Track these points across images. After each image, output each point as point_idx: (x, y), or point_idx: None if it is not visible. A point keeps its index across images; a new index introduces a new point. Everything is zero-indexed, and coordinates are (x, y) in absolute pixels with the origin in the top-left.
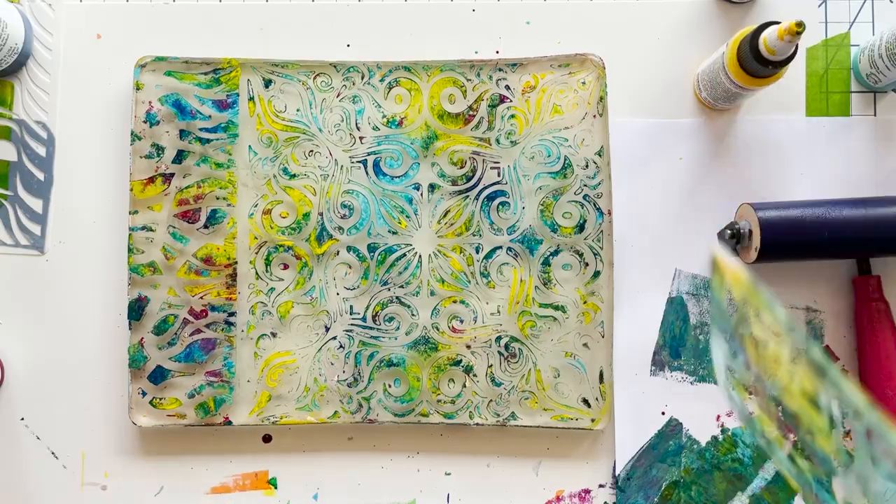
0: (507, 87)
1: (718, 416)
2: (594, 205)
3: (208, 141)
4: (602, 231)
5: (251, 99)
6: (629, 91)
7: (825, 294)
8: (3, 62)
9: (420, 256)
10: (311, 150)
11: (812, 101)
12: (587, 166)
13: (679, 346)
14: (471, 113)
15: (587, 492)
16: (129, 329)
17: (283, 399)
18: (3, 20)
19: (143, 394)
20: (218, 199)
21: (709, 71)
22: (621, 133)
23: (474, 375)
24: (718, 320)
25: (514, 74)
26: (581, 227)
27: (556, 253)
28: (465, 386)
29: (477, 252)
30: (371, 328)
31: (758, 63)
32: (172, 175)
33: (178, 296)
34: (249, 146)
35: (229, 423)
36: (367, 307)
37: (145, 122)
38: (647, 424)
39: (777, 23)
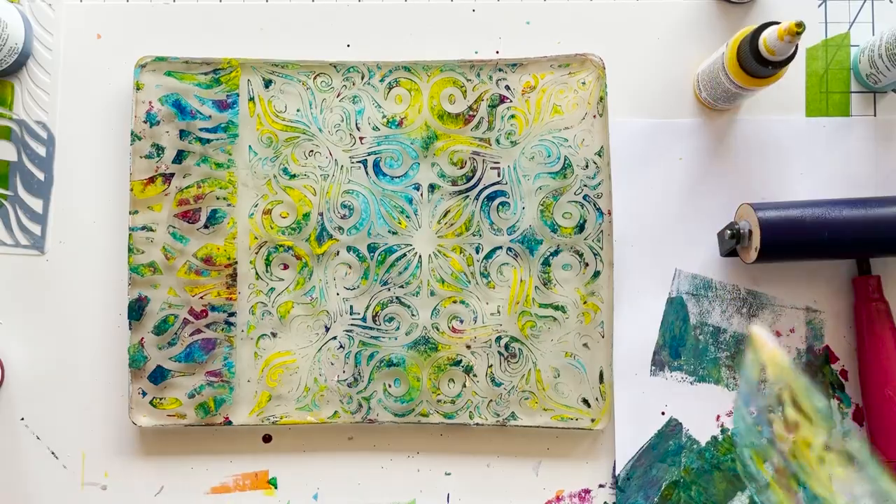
0: (507, 88)
1: (718, 416)
2: (594, 205)
3: (208, 141)
4: (602, 231)
5: (251, 99)
6: (629, 91)
7: (825, 294)
8: (3, 62)
9: (420, 256)
10: (311, 151)
11: (812, 102)
12: (587, 166)
13: (679, 346)
14: (471, 113)
15: (587, 492)
16: (129, 329)
17: (283, 399)
18: (3, 20)
19: (144, 394)
20: (218, 199)
21: (709, 71)
22: (621, 133)
23: (474, 375)
24: (746, 394)
25: (514, 74)
26: (581, 228)
27: (556, 253)
28: (465, 386)
29: (477, 252)
30: (371, 328)
31: (758, 63)
32: (172, 175)
33: (179, 296)
34: (249, 146)
35: (229, 423)
36: (367, 307)
37: (145, 122)
38: (647, 424)
39: (777, 23)
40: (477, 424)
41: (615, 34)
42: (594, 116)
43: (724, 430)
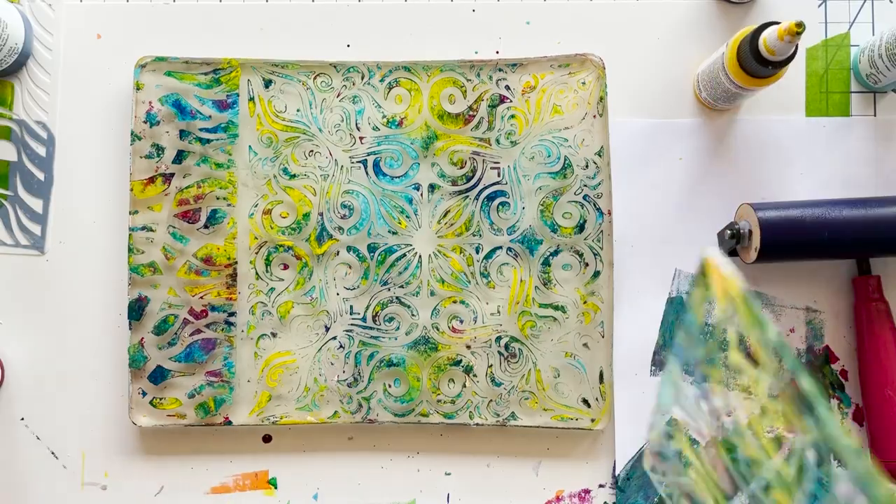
0: (507, 88)
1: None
2: (594, 205)
3: (208, 141)
4: (602, 231)
5: (251, 99)
6: (629, 91)
7: (825, 294)
8: (3, 62)
9: (420, 256)
10: (311, 151)
11: (812, 102)
12: (587, 166)
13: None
14: (471, 113)
15: (587, 492)
16: (129, 329)
17: (283, 399)
18: (3, 20)
19: (143, 394)
20: (218, 199)
21: (709, 71)
22: (621, 133)
23: (474, 375)
24: (684, 348)
25: (514, 74)
26: (581, 227)
27: (556, 253)
28: (465, 386)
29: (477, 252)
30: (371, 328)
31: (758, 63)
32: (172, 175)
33: (179, 296)
34: (249, 146)
35: (229, 423)
36: (367, 307)
37: (145, 122)
38: (647, 424)
39: (777, 23)
40: (477, 424)
41: (615, 34)
42: (594, 116)
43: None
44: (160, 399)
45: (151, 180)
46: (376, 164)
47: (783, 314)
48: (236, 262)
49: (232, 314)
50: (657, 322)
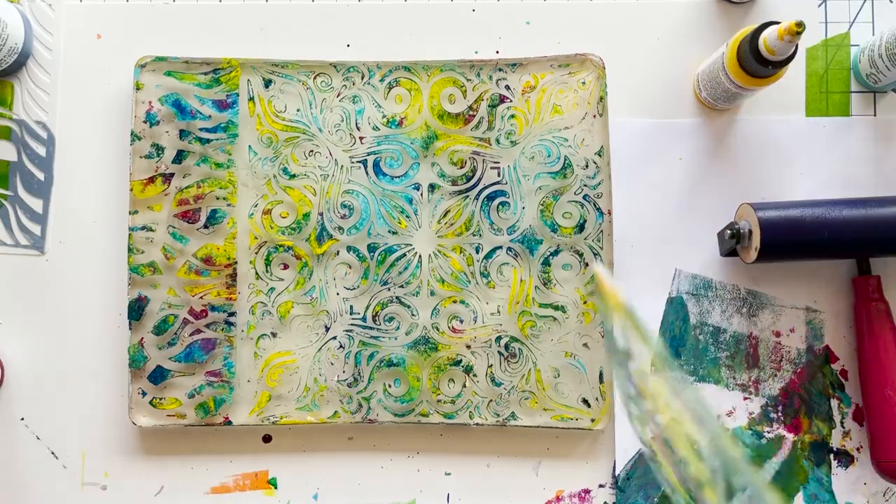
0: (507, 87)
1: (718, 416)
2: (594, 205)
3: (208, 141)
4: (602, 231)
5: (251, 99)
6: (629, 91)
7: (825, 294)
8: (3, 62)
9: (420, 256)
10: (311, 150)
11: (812, 101)
12: (587, 166)
13: (679, 346)
14: (471, 113)
15: (587, 492)
16: (129, 329)
17: (283, 399)
18: (3, 20)
19: (143, 394)
20: (218, 199)
21: (709, 71)
22: (621, 133)
23: (474, 375)
24: (611, 350)
25: (514, 74)
26: (581, 227)
27: (556, 253)
28: (465, 386)
29: (477, 252)
30: (371, 328)
31: (758, 63)
32: (172, 175)
33: (178, 296)
34: (249, 146)
35: (229, 423)
36: (367, 307)
37: (145, 122)
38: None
39: (777, 23)
40: (477, 424)
41: (615, 34)
42: (594, 116)
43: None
44: (160, 399)
45: (151, 180)
46: (376, 164)
47: (783, 314)
48: (236, 262)
49: (232, 314)
50: (657, 322)
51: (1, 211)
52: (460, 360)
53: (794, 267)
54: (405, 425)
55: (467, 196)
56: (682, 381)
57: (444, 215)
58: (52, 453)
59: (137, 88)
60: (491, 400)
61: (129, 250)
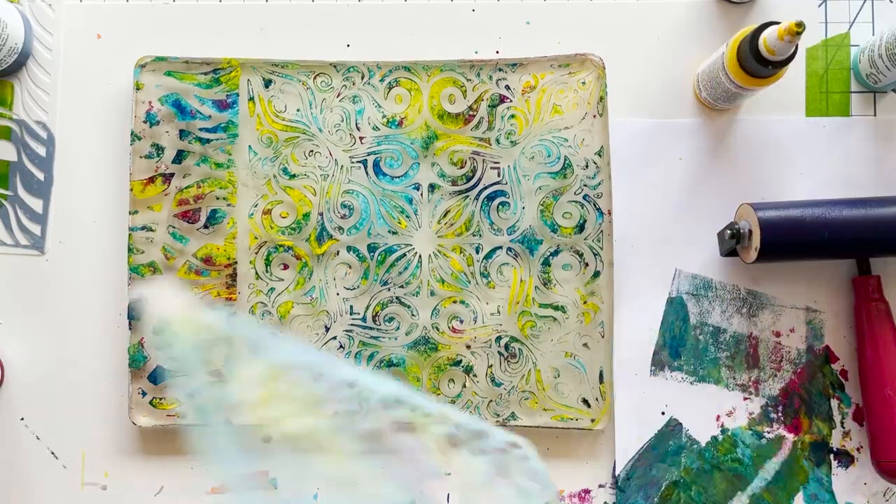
0: (507, 87)
1: (718, 417)
2: (594, 205)
3: (208, 141)
4: (602, 231)
5: (251, 99)
6: (629, 91)
7: (825, 294)
8: (3, 62)
9: (420, 256)
10: (311, 150)
11: (812, 101)
12: (587, 166)
13: (679, 346)
14: (471, 113)
15: (587, 492)
16: (129, 329)
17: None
18: (3, 20)
19: (143, 394)
20: (218, 199)
21: (709, 71)
22: (621, 133)
23: (474, 375)
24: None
25: (514, 74)
26: (581, 227)
27: (556, 253)
28: (465, 386)
29: (477, 252)
30: (371, 328)
31: (758, 63)
32: (172, 175)
33: None
34: (249, 146)
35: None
36: (367, 307)
37: (145, 122)
38: (647, 424)
39: (777, 23)
40: None
41: (615, 34)
42: (594, 116)
43: (724, 431)
44: (160, 399)
45: (151, 180)
46: (376, 164)
47: (783, 314)
48: (236, 262)
49: (232, 314)
50: (657, 322)
51: (1, 211)
52: (460, 361)
53: (794, 267)
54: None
55: (467, 196)
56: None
57: (444, 215)
58: (52, 453)
59: (137, 88)
60: (491, 400)
61: (129, 250)
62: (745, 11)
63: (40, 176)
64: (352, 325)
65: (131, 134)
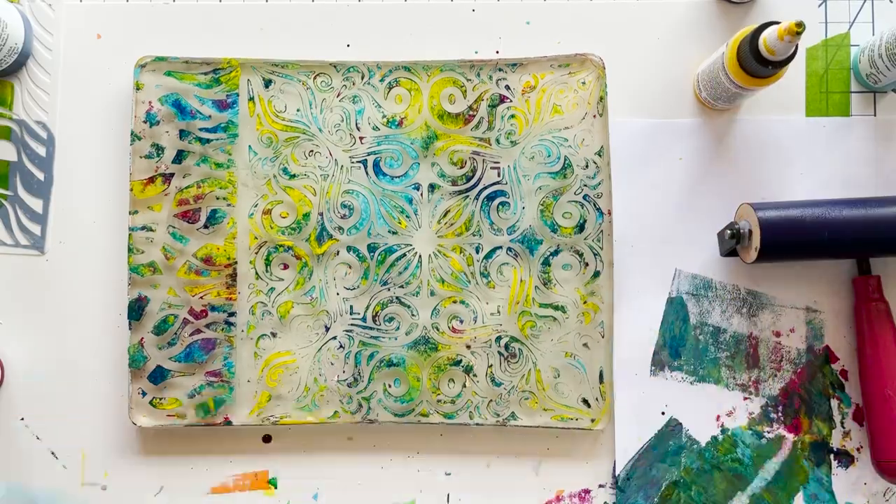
0: (507, 87)
1: (718, 416)
2: (594, 205)
3: (208, 141)
4: (602, 231)
5: (251, 99)
6: (629, 91)
7: (825, 294)
8: (3, 62)
9: (420, 256)
10: (311, 150)
11: (812, 101)
12: (587, 166)
13: (679, 346)
14: (471, 113)
15: (587, 492)
16: (129, 329)
17: (283, 399)
18: (3, 20)
19: (143, 394)
20: (218, 199)
21: (709, 71)
22: (621, 133)
23: (474, 375)
24: None
25: (514, 74)
26: (581, 227)
27: (556, 253)
28: (465, 386)
29: (477, 252)
30: (371, 328)
31: (758, 63)
32: (172, 175)
33: (178, 296)
34: (249, 146)
35: (229, 423)
36: (367, 307)
37: (145, 122)
38: (647, 424)
39: (777, 23)
40: (477, 424)
41: (615, 34)
42: (594, 116)
43: (724, 431)
44: (160, 399)
45: (151, 180)
46: (376, 164)
47: (783, 314)
48: (236, 262)
49: (232, 314)
50: (657, 322)
51: (1, 211)
52: (460, 360)
53: (794, 267)
54: (405, 425)
55: (467, 196)
56: None
57: (444, 215)
58: (52, 453)
59: (137, 88)
60: (491, 400)
61: (129, 250)
62: (745, 11)
63: (40, 176)
64: (352, 325)
65: (131, 134)
